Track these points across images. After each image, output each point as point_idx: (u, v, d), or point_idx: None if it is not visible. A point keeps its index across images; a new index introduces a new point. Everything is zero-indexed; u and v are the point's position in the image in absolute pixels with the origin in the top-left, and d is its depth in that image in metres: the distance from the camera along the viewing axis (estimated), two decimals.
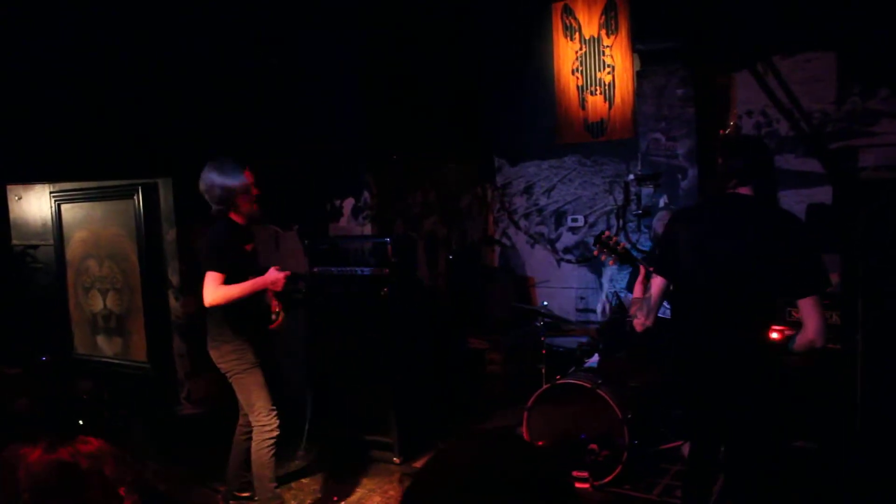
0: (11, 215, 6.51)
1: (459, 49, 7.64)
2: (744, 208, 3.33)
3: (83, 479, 1.39)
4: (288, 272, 4.29)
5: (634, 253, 4.38)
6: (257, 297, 4.30)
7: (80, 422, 5.04)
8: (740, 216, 3.31)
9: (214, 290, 4.07)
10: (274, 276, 4.22)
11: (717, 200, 3.49)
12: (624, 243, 4.17)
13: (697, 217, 3.54)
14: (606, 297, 7.27)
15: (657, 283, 3.53)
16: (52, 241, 6.68)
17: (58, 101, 5.06)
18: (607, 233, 4.25)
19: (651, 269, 3.68)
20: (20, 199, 6.74)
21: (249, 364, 4.26)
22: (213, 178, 4.18)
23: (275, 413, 4.32)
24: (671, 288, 3.56)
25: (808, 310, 3.16)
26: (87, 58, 5.19)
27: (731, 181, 3.35)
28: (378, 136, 6.47)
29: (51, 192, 6.61)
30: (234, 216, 4.25)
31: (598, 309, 7.34)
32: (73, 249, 6.63)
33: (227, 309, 4.15)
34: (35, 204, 6.75)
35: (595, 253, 4.18)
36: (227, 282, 4.09)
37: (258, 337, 4.35)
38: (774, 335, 3.47)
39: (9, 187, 6.39)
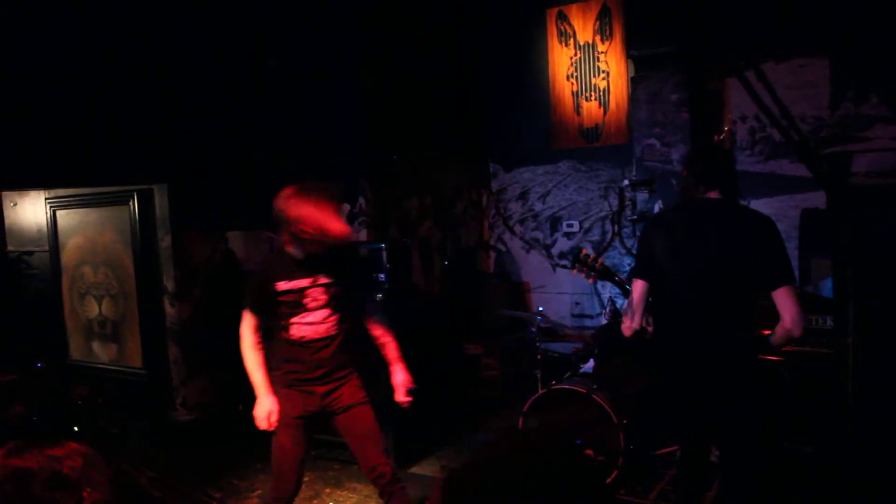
0: (7, 221, 6.51)
1: (456, 56, 7.67)
2: (716, 210, 3.44)
3: (29, 478, 1.39)
4: (273, 423, 3.65)
5: (629, 260, 4.41)
6: (317, 351, 3.67)
7: (76, 428, 5.03)
8: (714, 218, 3.43)
9: (242, 334, 3.71)
10: (260, 415, 3.65)
11: (689, 205, 3.58)
12: (602, 260, 4.19)
13: (673, 221, 3.62)
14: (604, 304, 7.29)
15: (638, 286, 3.59)
16: (47, 248, 6.67)
17: (53, 106, 5.06)
18: (584, 251, 4.27)
19: (628, 286, 3.73)
20: (15, 205, 6.74)
21: (282, 418, 3.68)
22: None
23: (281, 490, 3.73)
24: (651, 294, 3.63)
25: (783, 300, 3.23)
26: (82, 63, 5.20)
27: (699, 187, 3.48)
28: (375, 142, 6.49)
29: (46, 199, 6.61)
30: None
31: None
32: (68, 255, 6.62)
33: (274, 350, 3.74)
34: (30, 210, 6.74)
35: (574, 272, 4.18)
36: (263, 324, 3.69)
37: (307, 395, 3.72)
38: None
39: (4, 193, 6.40)
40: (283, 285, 3.58)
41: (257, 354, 3.70)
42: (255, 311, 3.69)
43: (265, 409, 3.63)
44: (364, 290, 3.94)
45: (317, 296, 3.62)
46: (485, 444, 1.27)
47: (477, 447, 1.27)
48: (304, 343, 3.64)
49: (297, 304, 3.60)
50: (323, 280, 3.62)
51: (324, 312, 3.63)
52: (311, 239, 3.45)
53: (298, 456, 3.73)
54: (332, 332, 3.69)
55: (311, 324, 3.63)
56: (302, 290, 3.60)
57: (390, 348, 3.89)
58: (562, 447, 1.23)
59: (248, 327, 3.70)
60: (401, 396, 3.87)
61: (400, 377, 3.89)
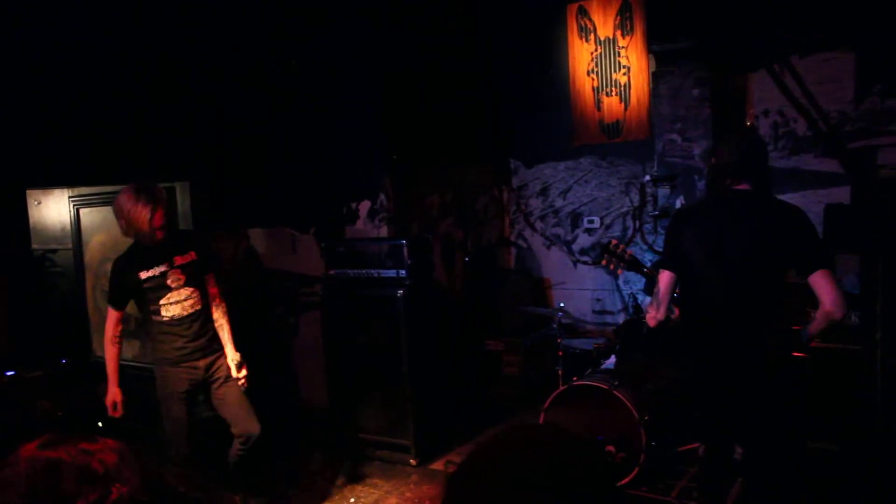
0: (31, 220, 6.56)
1: (475, 51, 7.65)
2: (746, 202, 3.40)
3: (59, 471, 1.39)
4: (119, 411, 4.18)
5: (650, 256, 4.40)
6: (189, 326, 4.18)
7: (100, 424, 5.07)
8: (744, 210, 3.39)
9: (106, 330, 4.16)
10: (108, 402, 4.19)
11: (719, 197, 3.53)
12: (631, 251, 4.18)
13: (702, 214, 3.59)
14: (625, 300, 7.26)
15: (665, 277, 3.56)
16: (70, 246, 6.72)
17: (76, 105, 5.10)
18: (614, 241, 4.26)
19: (654, 273, 3.71)
20: (39, 203, 6.80)
21: (166, 395, 4.23)
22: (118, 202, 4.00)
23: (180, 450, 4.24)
24: (678, 287, 3.60)
25: (821, 282, 3.20)
26: (104, 63, 5.23)
27: (727, 180, 3.43)
28: (395, 138, 6.49)
29: (69, 197, 6.65)
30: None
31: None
32: (91, 253, 6.66)
33: (152, 334, 4.19)
34: (54, 208, 6.79)
35: (603, 262, 4.19)
36: (124, 316, 4.18)
37: (191, 370, 4.23)
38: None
39: (28, 192, 6.44)
40: (144, 273, 4.05)
41: (115, 348, 4.16)
42: (118, 305, 4.14)
43: (111, 398, 4.15)
44: (212, 270, 4.36)
45: (177, 276, 4.11)
46: (493, 438, 1.25)
47: (484, 441, 1.25)
48: (175, 321, 4.12)
49: (160, 287, 4.08)
50: (178, 261, 4.12)
51: (186, 290, 4.14)
52: (130, 233, 3.99)
53: (188, 424, 4.23)
54: (198, 307, 4.19)
55: (178, 302, 4.12)
56: (164, 274, 4.08)
57: (225, 331, 4.35)
58: (574, 444, 1.21)
59: (111, 321, 4.14)
60: (236, 373, 4.28)
61: (233, 357, 4.29)
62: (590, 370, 5.50)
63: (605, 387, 4.82)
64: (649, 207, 6.99)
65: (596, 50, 7.32)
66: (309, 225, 6.64)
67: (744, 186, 3.40)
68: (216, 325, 4.33)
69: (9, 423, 4.63)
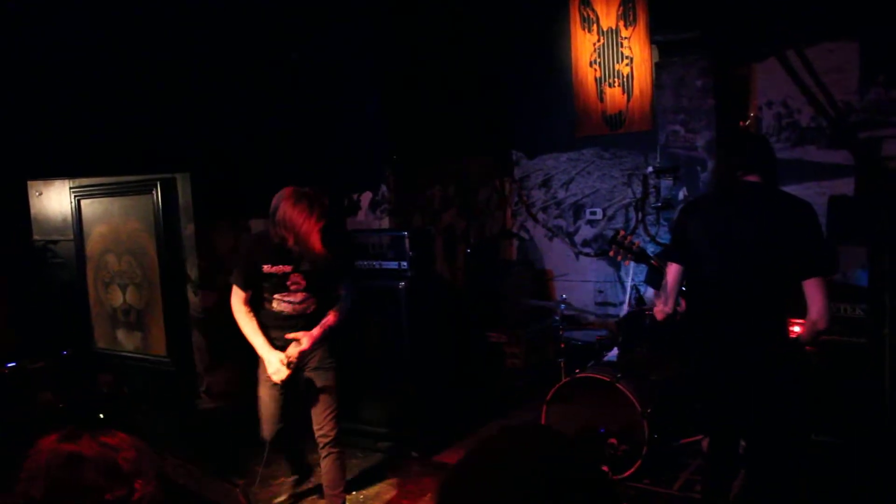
0: (32, 211, 6.55)
1: (477, 43, 7.61)
2: (754, 195, 3.37)
3: (81, 464, 1.39)
4: (287, 372, 4.03)
5: (652, 248, 4.40)
6: (295, 325, 4.12)
7: (101, 415, 5.07)
8: (752, 203, 3.35)
9: (234, 306, 4.15)
10: (275, 367, 4.03)
11: (728, 189, 3.50)
12: (638, 242, 4.17)
13: (710, 206, 3.56)
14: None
15: (672, 269, 3.55)
16: (72, 237, 6.71)
17: (77, 97, 5.07)
18: (622, 232, 4.25)
19: (660, 265, 3.69)
20: (41, 194, 6.78)
21: (261, 377, 4.23)
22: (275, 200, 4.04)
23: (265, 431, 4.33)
24: (685, 278, 3.59)
25: (811, 291, 3.18)
26: (105, 54, 5.21)
27: (738, 172, 3.39)
28: (398, 129, 6.46)
29: (70, 188, 6.64)
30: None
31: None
32: (92, 244, 6.65)
33: (260, 316, 4.17)
34: (55, 199, 6.78)
35: (611, 253, 4.20)
36: (252, 298, 4.12)
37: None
38: (797, 328, 3.45)
39: (29, 183, 6.43)
40: (268, 268, 4.06)
41: (253, 321, 4.12)
42: (244, 288, 4.12)
43: (275, 365, 4.03)
44: (341, 281, 4.30)
45: (298, 280, 4.09)
46: (481, 444, 1.23)
47: (472, 446, 1.22)
48: (282, 316, 4.13)
49: (279, 284, 4.08)
50: (305, 267, 4.08)
51: (303, 294, 4.12)
52: (291, 244, 3.96)
53: (275, 408, 4.26)
54: (310, 311, 4.17)
55: (291, 303, 4.12)
56: (286, 275, 4.07)
57: (321, 323, 4.18)
58: (570, 448, 1.19)
59: (238, 300, 4.13)
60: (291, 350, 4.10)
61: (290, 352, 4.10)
62: (592, 362, 5.48)
63: (608, 379, 4.81)
64: (652, 199, 6.97)
65: (598, 40, 7.30)
66: None
67: (753, 178, 3.36)
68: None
69: (10, 415, 4.62)
